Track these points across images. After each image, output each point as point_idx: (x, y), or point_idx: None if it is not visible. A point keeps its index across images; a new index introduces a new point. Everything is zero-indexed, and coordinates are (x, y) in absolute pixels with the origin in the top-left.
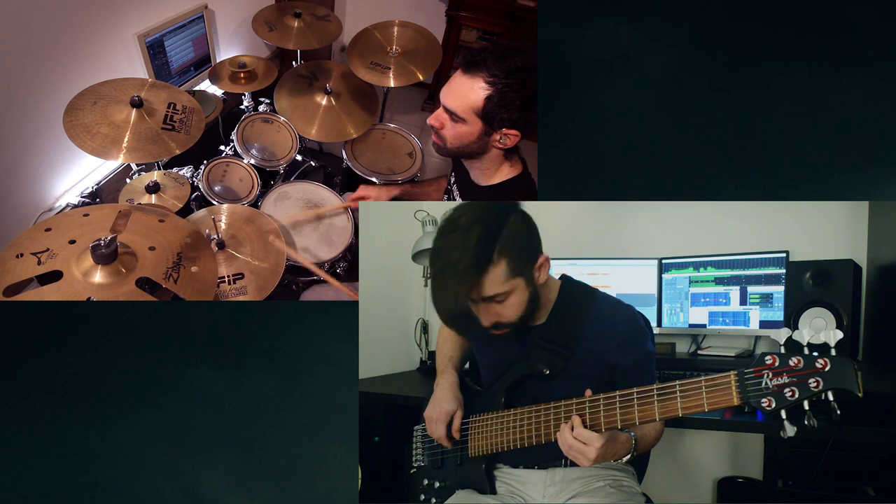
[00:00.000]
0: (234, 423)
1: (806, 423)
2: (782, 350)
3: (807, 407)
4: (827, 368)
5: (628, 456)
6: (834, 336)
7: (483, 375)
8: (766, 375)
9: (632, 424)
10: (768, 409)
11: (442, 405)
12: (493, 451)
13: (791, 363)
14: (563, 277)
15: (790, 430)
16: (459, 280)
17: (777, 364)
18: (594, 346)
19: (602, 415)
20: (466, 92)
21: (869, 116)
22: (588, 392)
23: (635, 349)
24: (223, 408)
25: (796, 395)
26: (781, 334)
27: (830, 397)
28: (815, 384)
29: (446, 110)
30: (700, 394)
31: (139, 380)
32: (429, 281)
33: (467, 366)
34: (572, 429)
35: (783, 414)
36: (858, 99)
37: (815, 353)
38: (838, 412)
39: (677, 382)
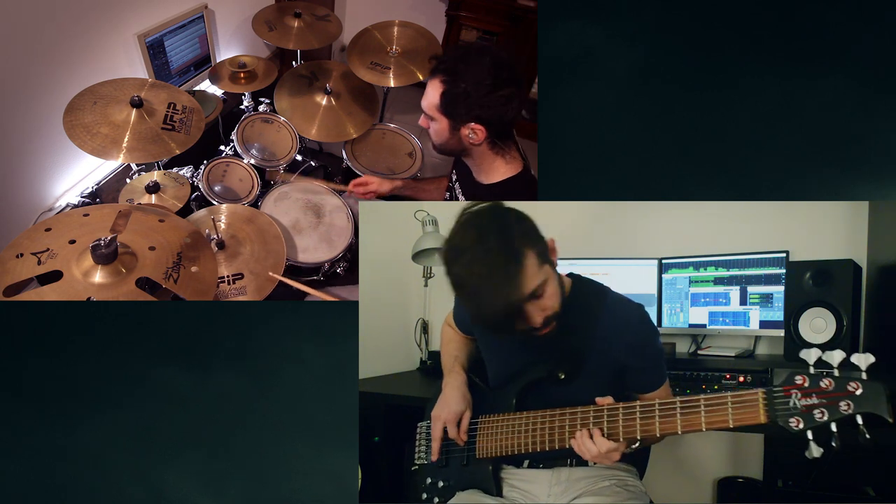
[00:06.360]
0: (206, 423)
1: (833, 444)
2: (811, 370)
3: (834, 429)
4: (858, 392)
5: (636, 444)
6: (865, 360)
7: (490, 375)
8: (794, 395)
9: (652, 437)
10: (796, 428)
11: (451, 405)
12: (504, 453)
13: (822, 385)
14: (573, 275)
15: (816, 451)
16: (502, 282)
17: (807, 384)
18: (605, 345)
19: (621, 425)
20: (429, 92)
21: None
22: (609, 399)
23: (647, 348)
24: (191, 408)
25: (825, 417)
26: (812, 354)
27: (860, 420)
28: (845, 407)
29: (424, 112)
30: (726, 410)
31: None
32: (453, 295)
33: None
34: (591, 437)
35: (809, 434)
36: (855, 99)
37: (845, 374)
38: (867, 436)
39: (702, 397)
